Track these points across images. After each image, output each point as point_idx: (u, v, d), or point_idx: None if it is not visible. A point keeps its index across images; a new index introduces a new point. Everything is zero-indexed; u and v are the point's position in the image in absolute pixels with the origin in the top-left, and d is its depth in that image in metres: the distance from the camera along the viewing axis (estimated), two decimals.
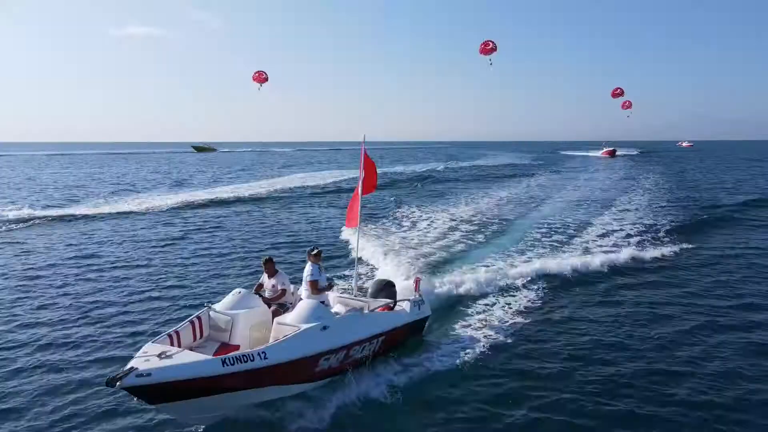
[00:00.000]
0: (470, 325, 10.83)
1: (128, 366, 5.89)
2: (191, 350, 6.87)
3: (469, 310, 11.74)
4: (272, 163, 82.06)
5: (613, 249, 17.42)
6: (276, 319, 7.91)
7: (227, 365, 6.30)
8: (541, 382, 8.42)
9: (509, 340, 9.99)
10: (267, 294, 8.92)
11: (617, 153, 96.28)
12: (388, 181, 44.95)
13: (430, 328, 10.55)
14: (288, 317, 7.83)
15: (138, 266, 15.78)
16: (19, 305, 12.21)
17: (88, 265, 15.96)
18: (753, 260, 16.21)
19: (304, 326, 7.40)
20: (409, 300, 9.69)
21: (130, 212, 27.01)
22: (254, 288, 9.02)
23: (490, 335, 10.17)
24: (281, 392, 7.20)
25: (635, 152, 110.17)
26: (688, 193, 34.49)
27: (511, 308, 11.90)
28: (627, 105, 67.50)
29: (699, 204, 28.80)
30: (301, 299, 8.59)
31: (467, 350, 9.38)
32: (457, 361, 8.97)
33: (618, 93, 64.44)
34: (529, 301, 12.41)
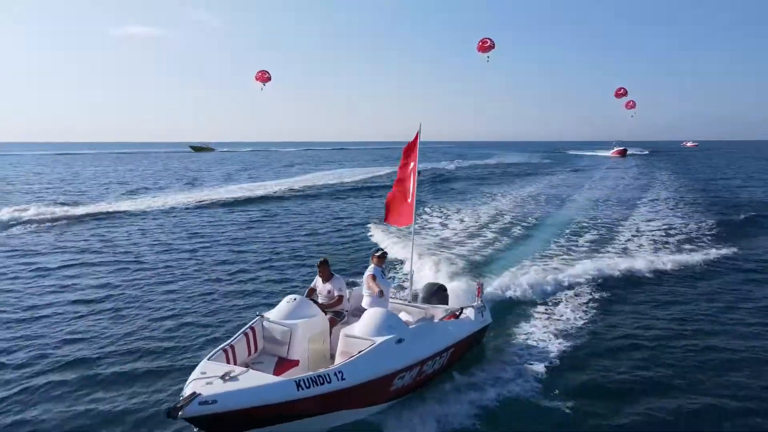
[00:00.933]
0: (529, 331, 9.71)
1: (188, 391, 4.83)
2: (247, 366, 5.87)
3: (523, 315, 10.62)
4: (291, 162, 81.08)
5: (664, 248, 16.28)
6: (343, 331, 6.77)
7: (302, 388, 5.26)
8: (618, 392, 7.40)
9: (574, 345, 8.93)
10: (320, 300, 7.80)
11: (628, 153, 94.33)
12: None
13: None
14: (356, 328, 6.70)
15: (175, 267, 14.62)
16: (59, 305, 11.21)
17: (126, 263, 14.94)
18: None
19: (379, 339, 6.28)
20: (472, 306, 8.56)
21: (174, 208, 26.50)
22: (306, 293, 7.90)
23: (555, 342, 9.09)
24: (352, 416, 6.14)
25: (646, 152, 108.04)
26: (715, 192, 33.10)
27: (568, 311, 10.76)
28: (631, 105, 65.86)
29: (732, 202, 27.48)
30: (361, 306, 7.48)
31: (535, 360, 8.28)
32: (529, 371, 7.88)
33: (621, 93, 62.84)
34: (584, 303, 11.25)
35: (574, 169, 58.41)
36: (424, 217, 23.48)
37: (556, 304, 11.25)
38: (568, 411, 6.93)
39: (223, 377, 5.11)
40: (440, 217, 23.19)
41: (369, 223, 21.78)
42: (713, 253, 15.52)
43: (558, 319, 10.30)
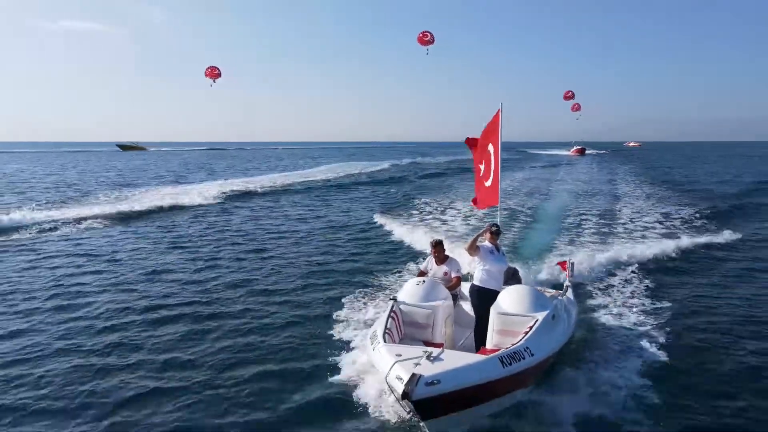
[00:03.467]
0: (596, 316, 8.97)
1: (402, 373, 4.43)
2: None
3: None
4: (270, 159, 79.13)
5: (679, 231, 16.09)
6: (493, 309, 6.15)
7: (506, 365, 4.88)
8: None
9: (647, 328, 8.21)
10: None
11: (586, 152, 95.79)
12: (381, 177, 41.79)
13: None
14: (504, 305, 6.13)
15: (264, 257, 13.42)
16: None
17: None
18: None
19: (539, 316, 5.80)
20: (569, 286, 8.08)
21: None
22: (417, 275, 7.43)
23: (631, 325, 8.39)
24: (513, 399, 5.43)
25: (603, 151, 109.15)
26: (688, 185, 33.66)
27: (624, 294, 10.18)
28: (576, 108, 67.26)
29: (709, 193, 27.97)
30: (477, 286, 6.81)
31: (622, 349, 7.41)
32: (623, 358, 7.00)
33: (569, 96, 64.03)
34: (639, 288, 10.62)
35: (550, 165, 59.19)
36: (418, 208, 22.51)
37: (610, 287, 10.73)
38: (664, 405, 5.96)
39: (428, 358, 4.68)
40: (435, 209, 22.05)
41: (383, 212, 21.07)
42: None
43: (623, 304, 9.63)
